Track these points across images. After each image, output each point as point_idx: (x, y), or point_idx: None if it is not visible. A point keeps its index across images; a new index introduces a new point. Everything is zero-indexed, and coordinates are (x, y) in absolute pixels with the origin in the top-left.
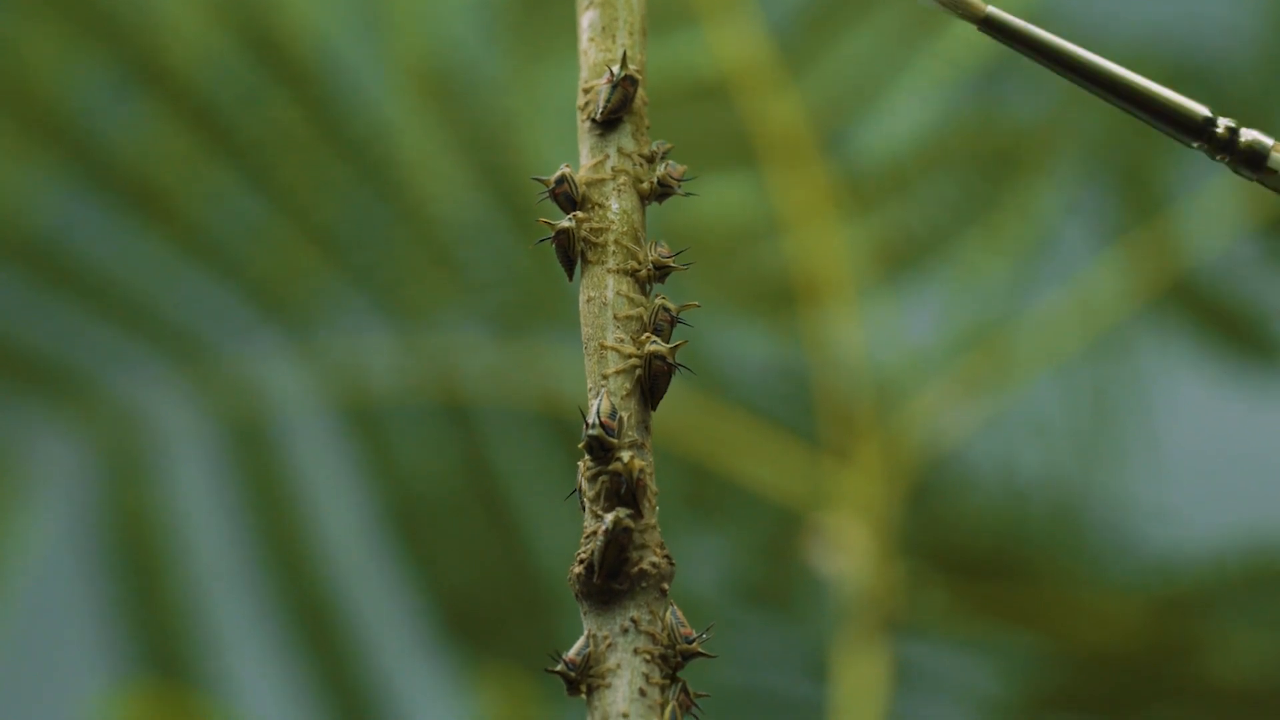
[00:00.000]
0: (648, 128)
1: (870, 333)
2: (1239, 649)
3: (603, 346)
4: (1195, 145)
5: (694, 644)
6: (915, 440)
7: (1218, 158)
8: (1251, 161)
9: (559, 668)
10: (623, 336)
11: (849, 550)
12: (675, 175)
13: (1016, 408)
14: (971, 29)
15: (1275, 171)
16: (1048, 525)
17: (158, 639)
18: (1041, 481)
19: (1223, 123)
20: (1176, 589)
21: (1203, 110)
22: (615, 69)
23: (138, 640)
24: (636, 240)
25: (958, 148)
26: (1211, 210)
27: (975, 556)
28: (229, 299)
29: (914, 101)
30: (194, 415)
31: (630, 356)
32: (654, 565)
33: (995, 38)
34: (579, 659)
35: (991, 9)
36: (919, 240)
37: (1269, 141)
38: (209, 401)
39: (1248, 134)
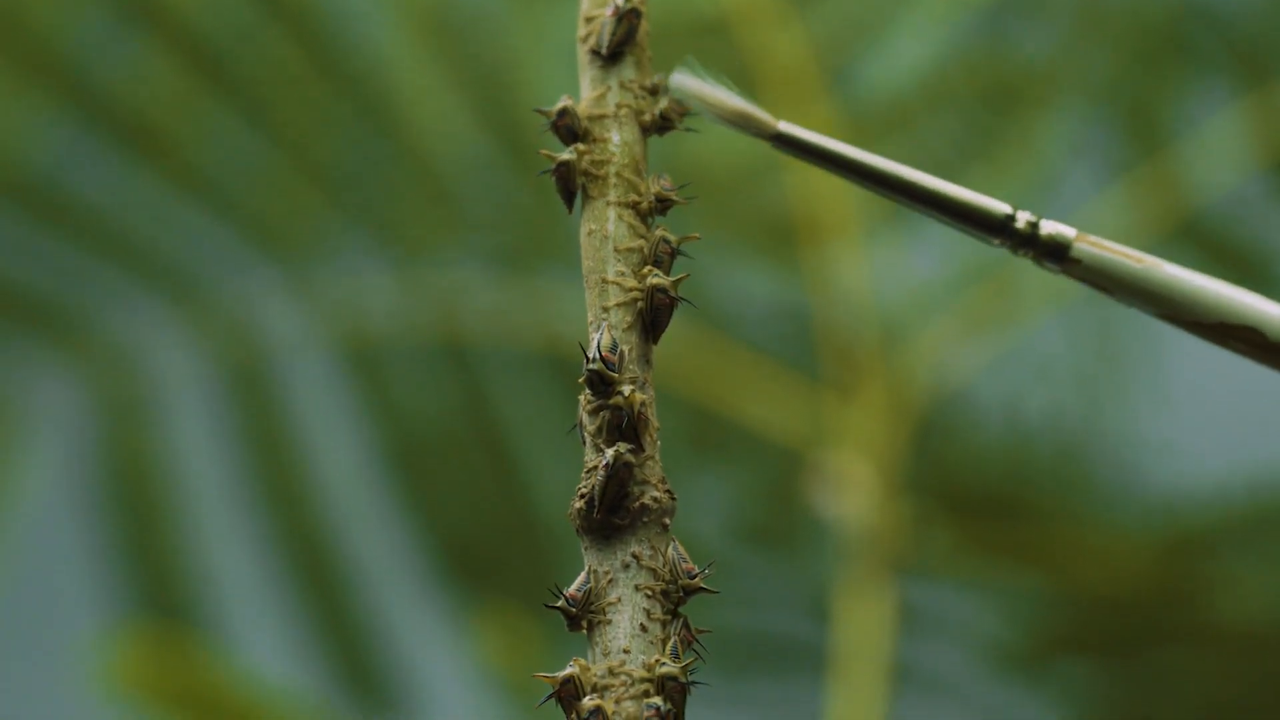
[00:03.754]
0: (650, 59)
1: (874, 270)
2: (1245, 589)
3: (604, 280)
4: (997, 243)
5: (696, 579)
6: (919, 379)
7: (1020, 253)
8: (1054, 254)
9: (559, 603)
10: (624, 270)
11: (852, 490)
12: (679, 111)
13: (1022, 347)
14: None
15: (1078, 261)
16: (1053, 465)
17: (155, 581)
18: (1047, 421)
19: (1022, 217)
20: (1183, 529)
21: (1003, 208)
22: (620, 1)
23: (135, 582)
24: (638, 173)
25: (962, 84)
26: (1218, 148)
27: (980, 496)
28: (227, 238)
29: (918, 37)
30: (191, 355)
31: (631, 289)
32: (655, 500)
33: (788, 152)
34: (580, 594)
35: (783, 125)
36: None
37: (1070, 232)
38: (206, 341)
39: (1048, 226)
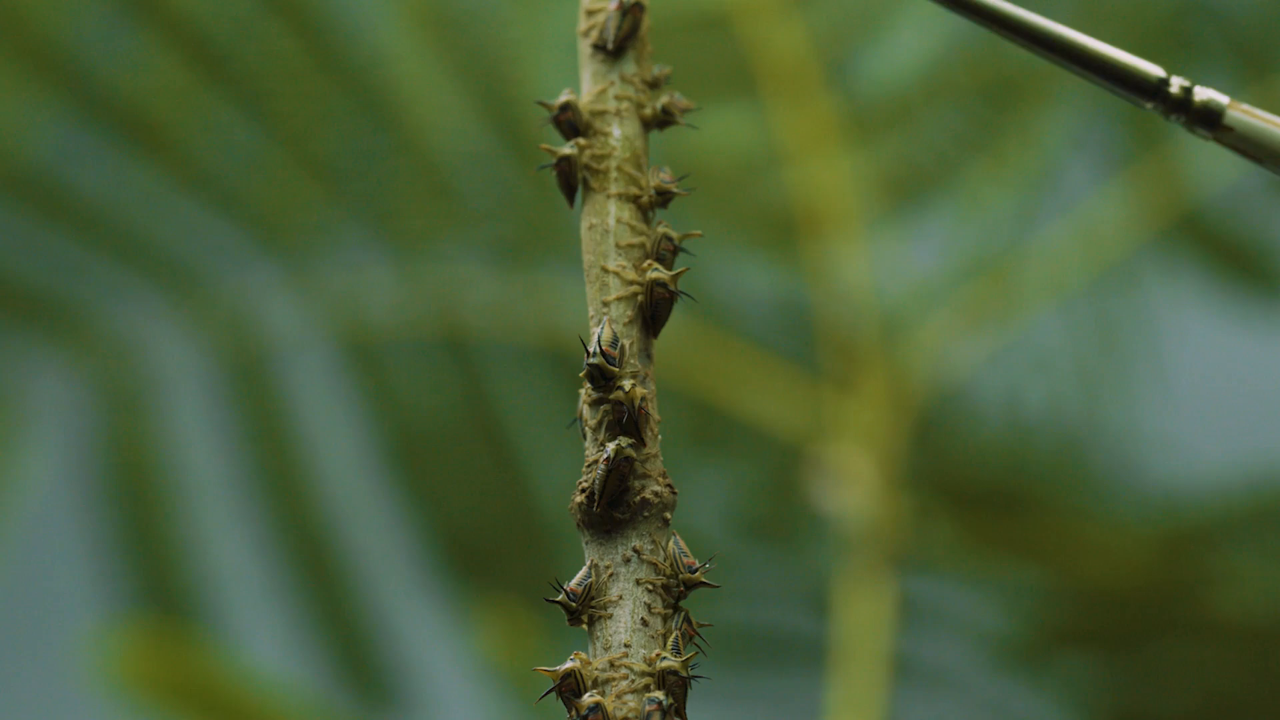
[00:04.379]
0: (650, 54)
1: (874, 264)
2: (1245, 582)
3: (604, 269)
4: (1150, 106)
5: (697, 574)
6: (920, 372)
7: (1172, 118)
8: (1206, 120)
9: (560, 598)
10: (624, 264)
11: (852, 484)
12: (680, 105)
13: (1022, 341)
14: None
15: (1231, 129)
16: (1053, 458)
17: (155, 575)
18: (1047, 414)
19: (1176, 82)
20: (1182, 522)
21: (1156, 71)
22: None
23: (135, 575)
24: (639, 167)
25: (962, 77)
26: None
27: (980, 490)
28: (226, 232)
29: (918, 31)
30: (191, 349)
31: (632, 283)
32: (656, 494)
33: (949, 7)
34: (580, 589)
35: None
36: (923, 171)
37: (1224, 100)
38: (206, 335)
39: (1202, 93)
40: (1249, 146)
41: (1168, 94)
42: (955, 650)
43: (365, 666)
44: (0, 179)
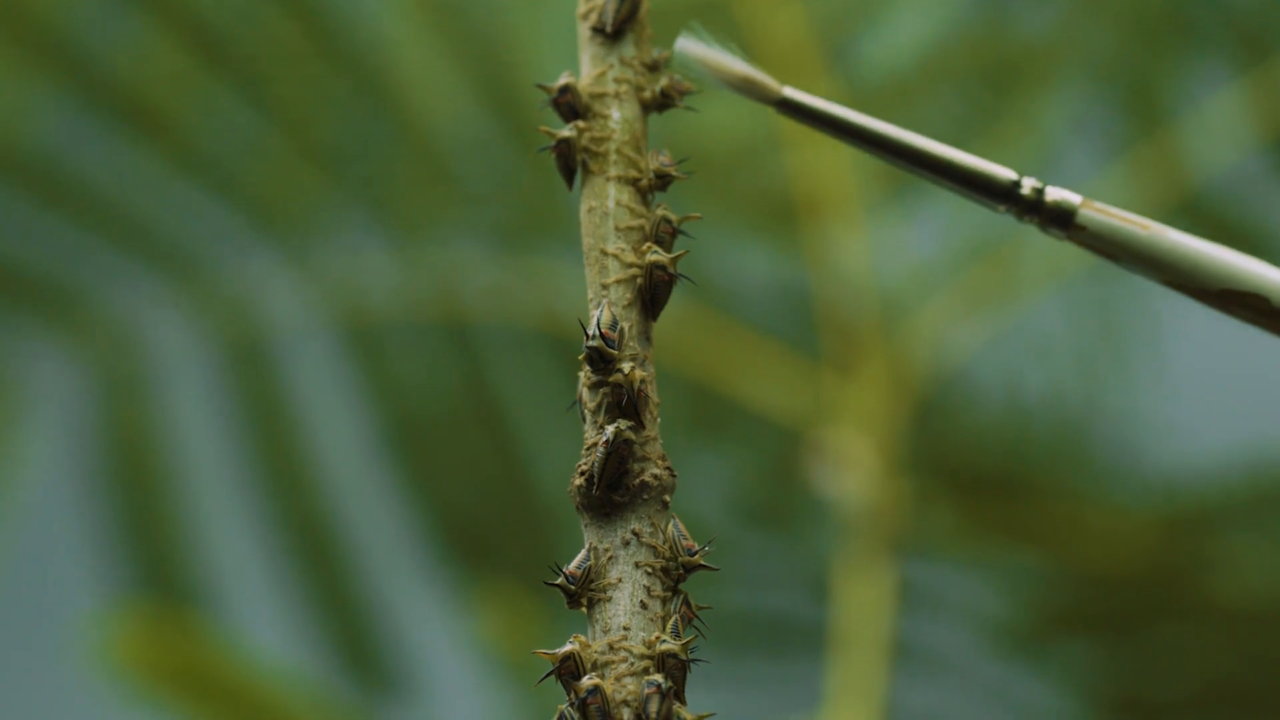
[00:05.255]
0: (650, 37)
1: (874, 248)
2: (1245, 567)
3: (604, 252)
4: (1003, 209)
5: (696, 556)
6: (919, 357)
7: (1025, 219)
8: (1059, 220)
9: (559, 581)
10: (623, 246)
11: (852, 468)
12: (680, 88)
13: (1021, 325)
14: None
15: (1084, 228)
16: (1053, 443)
17: (154, 559)
18: (1047, 399)
19: (1028, 184)
20: (1182, 506)
21: (1008, 174)
22: None
23: (134, 560)
24: (638, 149)
25: (963, 61)
26: (1218, 125)
27: (980, 475)
28: (226, 216)
29: (918, 13)
30: (191, 333)
31: (631, 265)
32: (655, 477)
33: (793, 117)
34: (579, 572)
35: (788, 90)
36: None
37: (1076, 200)
38: (206, 320)
39: (1054, 193)
40: (1103, 245)
41: (1020, 196)
42: (955, 635)
43: (365, 651)
44: (1, 163)
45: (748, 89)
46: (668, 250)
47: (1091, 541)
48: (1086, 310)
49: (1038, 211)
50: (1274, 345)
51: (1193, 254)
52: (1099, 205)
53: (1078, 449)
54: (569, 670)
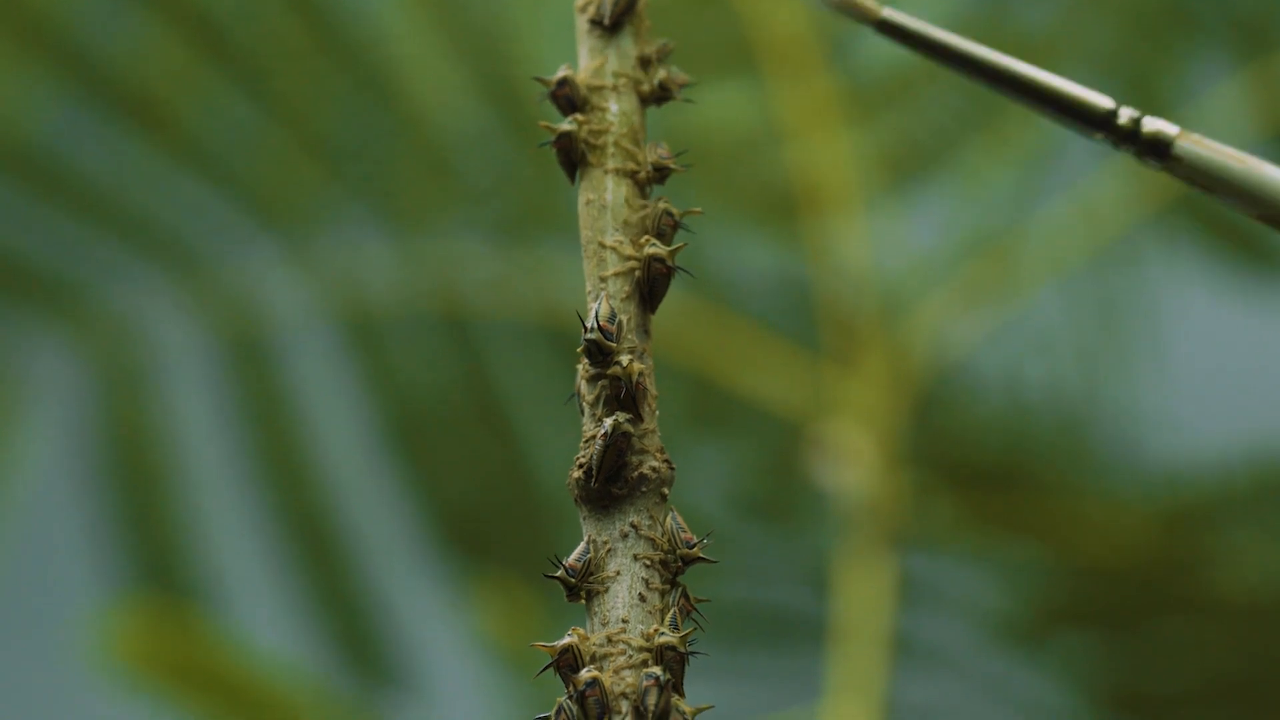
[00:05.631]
0: (648, 29)
1: (874, 241)
2: (1245, 561)
3: (602, 245)
4: (1099, 137)
5: (694, 549)
6: (920, 350)
7: (1121, 149)
8: (1155, 151)
9: (558, 573)
10: (622, 239)
11: (852, 461)
12: (678, 81)
13: (1022, 319)
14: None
15: (1180, 160)
16: (1053, 436)
17: (155, 553)
18: (1047, 393)
19: (1125, 113)
20: (1183, 500)
21: (1106, 102)
22: None
23: (135, 555)
24: (636, 143)
25: None
26: (1218, 118)
27: (980, 468)
28: (226, 210)
29: (919, 7)
30: (191, 327)
31: (629, 258)
32: (654, 470)
33: (892, 40)
34: (578, 564)
35: (887, 11)
36: (923, 148)
37: (1172, 130)
38: (206, 313)
39: (1150, 123)
40: (1198, 177)
41: (1116, 125)
42: (955, 628)
43: (365, 645)
44: (0, 157)
45: (847, 9)
46: (668, 243)
47: (1092, 535)
48: (1087, 304)
49: (1134, 141)
50: (1274, 339)
51: None
52: (1196, 137)
53: (1078, 443)
54: (568, 663)
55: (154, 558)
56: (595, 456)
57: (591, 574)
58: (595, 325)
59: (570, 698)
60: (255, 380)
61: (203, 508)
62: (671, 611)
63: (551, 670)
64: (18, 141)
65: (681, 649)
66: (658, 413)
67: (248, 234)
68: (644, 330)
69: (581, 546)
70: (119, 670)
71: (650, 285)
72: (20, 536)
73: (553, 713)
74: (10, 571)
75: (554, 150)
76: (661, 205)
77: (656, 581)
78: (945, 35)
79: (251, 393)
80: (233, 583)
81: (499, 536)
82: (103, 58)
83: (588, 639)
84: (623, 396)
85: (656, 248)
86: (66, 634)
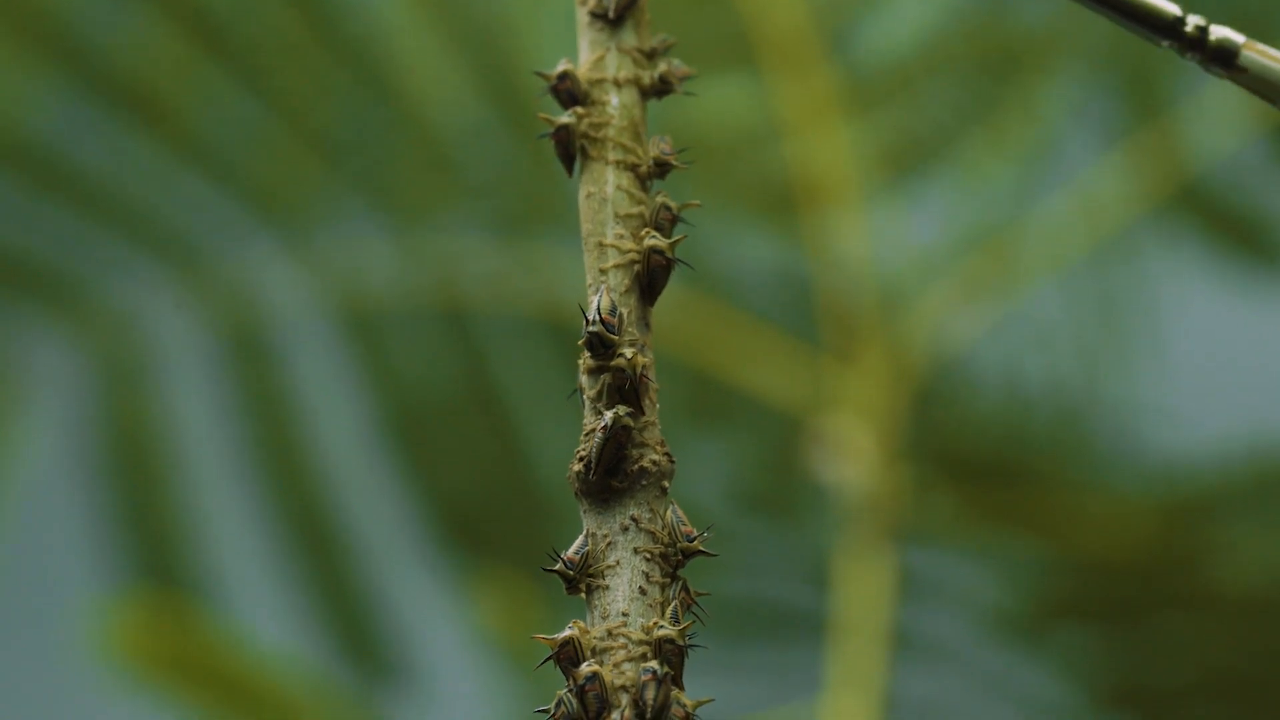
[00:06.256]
0: (649, 23)
1: (873, 236)
2: (1245, 555)
3: (602, 243)
4: (1165, 44)
5: (695, 542)
6: (919, 344)
7: (1187, 56)
8: (1221, 59)
9: (557, 566)
10: (622, 232)
11: (852, 456)
12: (679, 74)
13: (1021, 313)
14: None
15: (1246, 69)
16: (1053, 430)
17: (154, 547)
18: (1047, 386)
19: (1192, 21)
20: (1182, 494)
21: (1173, 9)
22: None
23: (134, 549)
24: (637, 136)
25: (962, 48)
26: (1218, 113)
27: (980, 462)
28: (226, 205)
29: (918, 1)
30: (191, 322)
31: (629, 251)
32: (654, 463)
33: None
34: (578, 557)
35: None
36: (922, 142)
37: (1239, 39)
38: (206, 308)
39: (1217, 31)
40: (1263, 86)
41: (1183, 32)
42: (954, 623)
43: (364, 639)
44: (0, 151)
45: None
46: (667, 236)
47: (1092, 529)
48: (1087, 299)
49: (1200, 49)
50: (1274, 333)
51: None
52: (1261, 47)
53: (1078, 437)
54: (568, 656)
55: (153, 552)
56: (595, 449)
57: (591, 567)
58: (597, 318)
59: (570, 691)
60: (255, 375)
61: (202, 502)
62: (672, 605)
63: (551, 663)
64: (18, 137)
65: (681, 642)
66: (658, 406)
67: (248, 229)
68: (644, 323)
69: (580, 539)
70: (118, 664)
71: (650, 278)
72: (20, 531)
73: (552, 706)
74: (10, 566)
75: (553, 143)
76: (660, 199)
77: (657, 575)
78: None
79: (251, 388)
80: (232, 577)
81: (498, 531)
82: (103, 53)
83: (588, 632)
84: (625, 389)
85: (656, 240)
86: (66, 628)
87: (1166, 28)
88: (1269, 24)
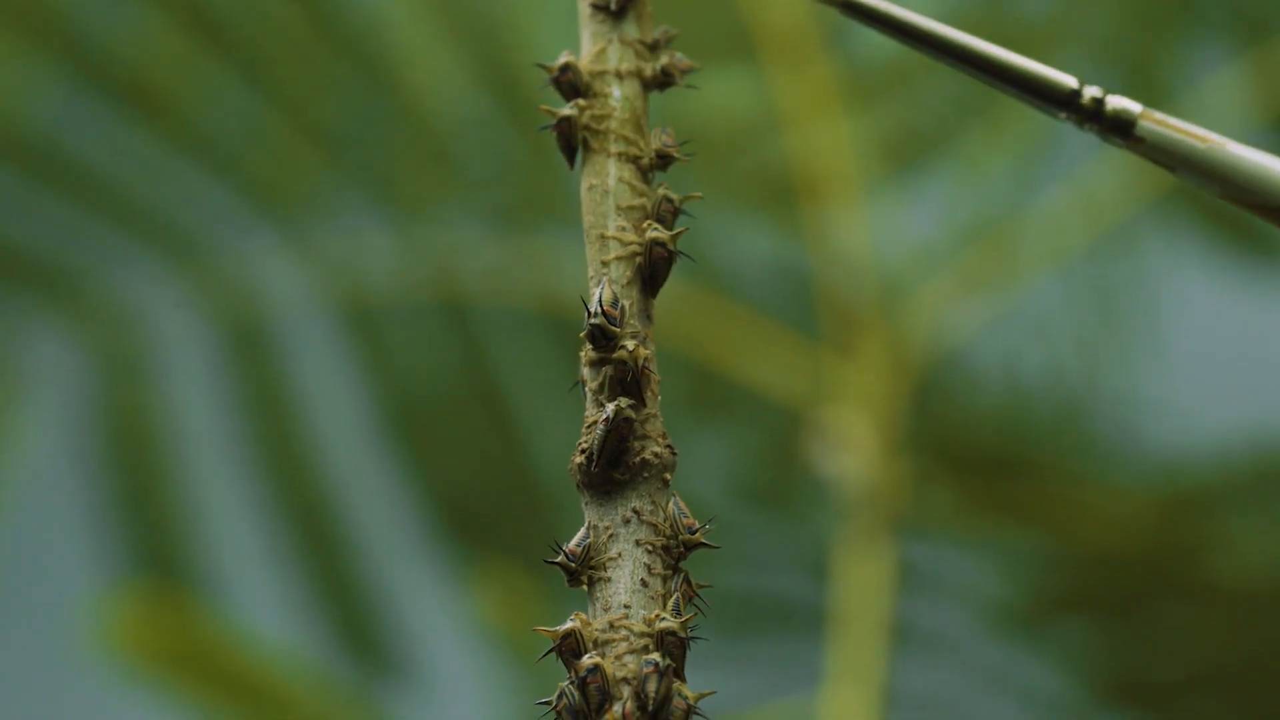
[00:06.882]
0: (651, 14)
1: (873, 229)
2: (1244, 548)
3: (603, 236)
4: (1063, 116)
5: (696, 534)
6: (919, 336)
7: (1085, 127)
8: (1119, 129)
9: (559, 559)
10: (624, 224)
11: (852, 448)
12: (681, 67)
13: (1021, 306)
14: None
15: (1143, 139)
16: (1052, 423)
17: (154, 540)
18: (1046, 380)
19: (1088, 92)
20: (1182, 487)
21: (1069, 81)
22: None
23: (133, 541)
24: (639, 128)
25: None
26: (1217, 105)
27: (979, 455)
28: (225, 197)
29: None
30: (190, 314)
31: (631, 243)
32: (656, 455)
33: (858, 20)
34: (579, 550)
35: None
36: (922, 136)
37: (1135, 108)
38: (205, 301)
39: (1114, 101)
40: (1161, 156)
41: (1080, 104)
42: (954, 615)
43: (364, 631)
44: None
45: None
46: (668, 229)
47: (1091, 522)
48: (1086, 291)
49: (1097, 120)
50: (1273, 325)
51: (1251, 167)
52: (1159, 116)
53: (1077, 430)
54: (569, 648)
55: (152, 544)
56: (597, 441)
57: (592, 559)
58: (599, 309)
59: (571, 683)
60: (254, 368)
61: (201, 494)
62: (674, 597)
63: (552, 656)
64: (17, 129)
65: (682, 634)
66: (660, 398)
67: (247, 221)
68: (646, 315)
69: (582, 531)
70: (117, 657)
71: (652, 270)
72: (19, 523)
73: (554, 698)
74: (9, 558)
75: (554, 135)
76: (662, 191)
77: (658, 567)
78: (910, 15)
79: (250, 380)
80: (231, 569)
81: (499, 523)
82: (102, 45)
83: (589, 624)
84: (627, 381)
85: (658, 232)
86: (65, 621)
87: (1063, 100)
88: (1268, 23)
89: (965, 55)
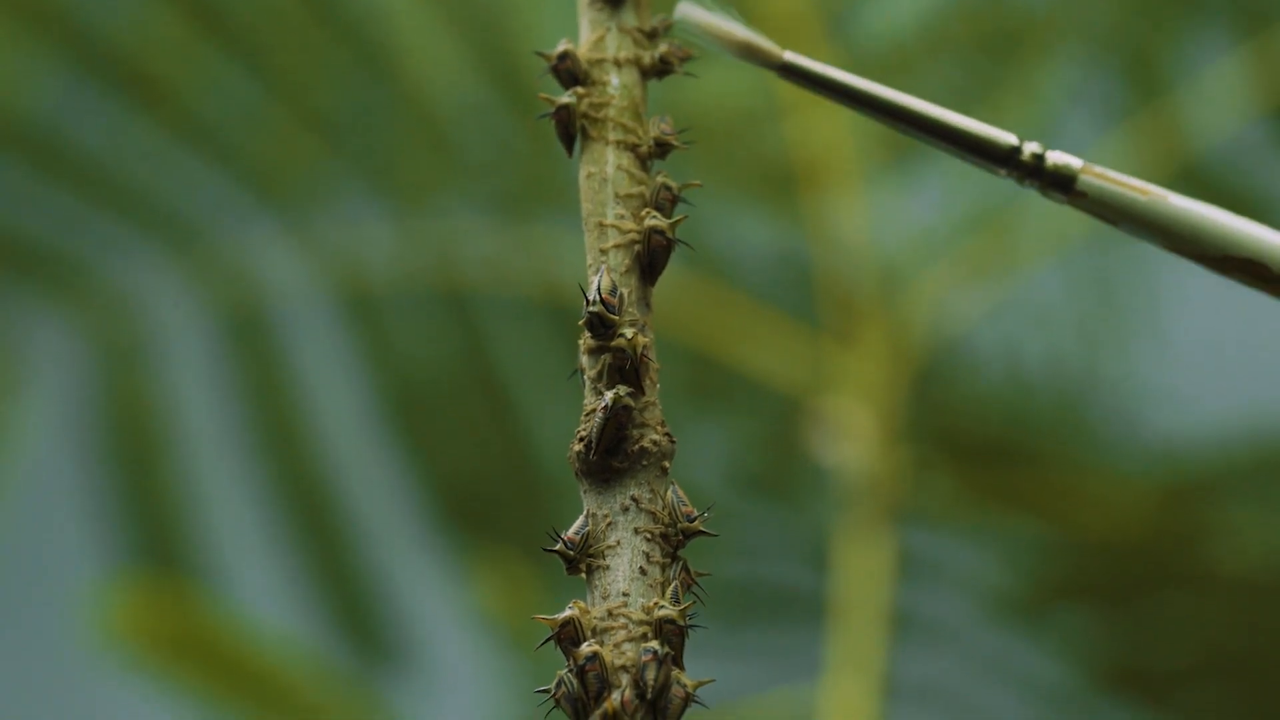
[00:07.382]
0: (649, 3)
1: (873, 217)
2: (1245, 536)
3: (602, 224)
4: (1003, 173)
5: (695, 522)
6: (919, 325)
7: (1026, 184)
8: (1059, 184)
9: (558, 547)
10: (623, 213)
11: (852, 437)
12: (679, 55)
13: (1021, 294)
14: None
15: (1085, 194)
16: (1053, 412)
17: (153, 529)
18: (1047, 367)
19: (1028, 148)
20: (1183, 475)
21: (1009, 138)
22: None
23: (133, 530)
24: (637, 116)
25: (962, 29)
26: (1217, 94)
27: (980, 443)
28: (225, 186)
29: None
30: (190, 303)
31: (629, 231)
32: (654, 443)
33: (795, 82)
34: (578, 538)
35: (789, 55)
36: None
37: (1076, 163)
38: (205, 289)
39: (1054, 157)
40: (1103, 210)
41: (1020, 161)
42: (954, 603)
43: (363, 620)
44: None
45: (749, 54)
46: (667, 217)
47: (1091, 510)
48: (1086, 279)
49: (1038, 176)
50: (1274, 313)
51: (1193, 219)
52: (1099, 170)
53: (1077, 418)
54: (568, 636)
55: (153, 533)
56: (595, 429)
57: (591, 547)
58: (597, 297)
59: (570, 671)
60: (254, 356)
61: (201, 483)
62: (673, 585)
63: (551, 644)
64: (18, 117)
65: (681, 622)
66: (658, 386)
67: (247, 210)
68: (644, 303)
69: (580, 520)
70: (117, 645)
71: (650, 258)
72: (19, 512)
73: (552, 686)
74: (9, 547)
75: (553, 123)
76: (661, 179)
77: (657, 555)
78: (848, 77)
79: (250, 368)
80: (231, 558)
81: (498, 512)
82: (103, 34)
83: (588, 612)
84: (626, 369)
85: (657, 220)
86: (65, 610)
87: (1003, 157)
88: (1268, 14)
89: (904, 115)
